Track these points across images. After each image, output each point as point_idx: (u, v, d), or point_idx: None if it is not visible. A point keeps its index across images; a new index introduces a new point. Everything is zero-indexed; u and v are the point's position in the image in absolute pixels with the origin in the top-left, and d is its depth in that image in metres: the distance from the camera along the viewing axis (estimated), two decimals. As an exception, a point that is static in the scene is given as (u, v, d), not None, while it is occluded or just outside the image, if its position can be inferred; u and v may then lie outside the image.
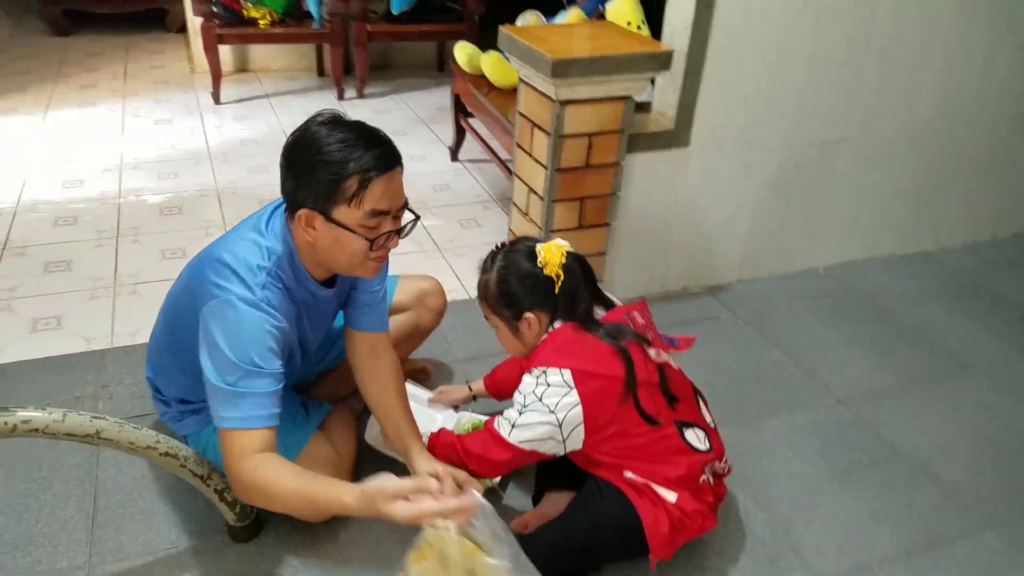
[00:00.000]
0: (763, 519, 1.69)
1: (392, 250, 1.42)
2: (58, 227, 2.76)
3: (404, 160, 1.34)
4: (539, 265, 1.48)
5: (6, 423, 1.26)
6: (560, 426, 1.40)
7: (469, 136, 3.35)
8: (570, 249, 1.52)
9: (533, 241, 1.53)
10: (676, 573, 1.53)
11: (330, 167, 1.25)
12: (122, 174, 3.18)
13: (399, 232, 1.37)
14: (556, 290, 1.48)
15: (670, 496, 1.43)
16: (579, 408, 1.40)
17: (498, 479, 1.69)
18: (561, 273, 1.47)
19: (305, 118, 1.34)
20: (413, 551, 1.28)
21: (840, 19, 2.25)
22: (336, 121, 1.30)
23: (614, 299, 1.59)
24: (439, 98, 4.23)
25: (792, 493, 1.76)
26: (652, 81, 2.29)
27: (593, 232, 2.24)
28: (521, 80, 2.16)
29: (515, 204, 2.35)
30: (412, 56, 4.80)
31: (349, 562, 1.53)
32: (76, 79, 4.30)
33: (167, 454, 1.42)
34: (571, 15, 2.87)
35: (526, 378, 1.46)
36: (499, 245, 1.58)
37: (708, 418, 1.57)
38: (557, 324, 1.50)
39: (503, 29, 2.11)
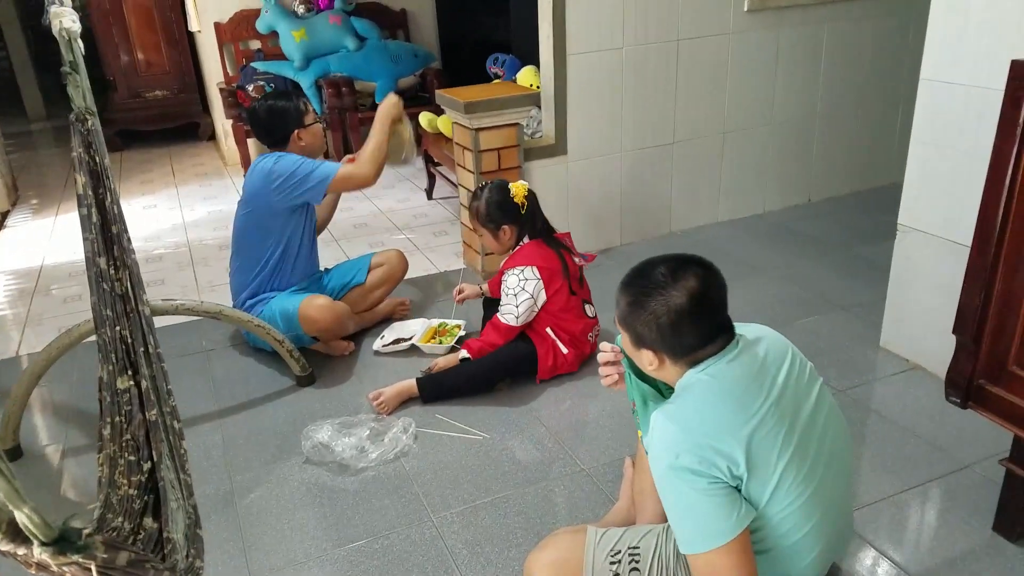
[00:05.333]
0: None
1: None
2: (148, 264, 3.97)
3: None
4: (511, 196, 2.58)
5: (173, 304, 2.43)
6: (535, 299, 2.55)
7: (439, 180, 4.60)
8: (530, 187, 2.62)
9: (505, 182, 2.61)
10: (552, 387, 2.65)
11: (292, 108, 2.71)
12: (187, 230, 4.41)
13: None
14: (523, 212, 2.57)
15: (564, 350, 2.59)
16: (541, 283, 2.54)
17: (455, 341, 2.85)
18: (525, 202, 2.58)
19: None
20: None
21: (649, 67, 3.50)
22: (266, 94, 2.79)
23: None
24: (419, 161, 5.51)
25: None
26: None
27: (511, 214, 3.42)
28: (454, 122, 3.40)
29: (462, 204, 3.55)
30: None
31: (372, 385, 2.66)
32: (137, 178, 5.59)
33: (259, 326, 2.58)
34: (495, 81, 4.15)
35: (510, 278, 2.55)
36: (482, 184, 2.65)
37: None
38: (526, 238, 2.60)
39: (439, 92, 3.36)
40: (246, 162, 5.32)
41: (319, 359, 2.84)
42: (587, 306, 2.69)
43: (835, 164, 4.14)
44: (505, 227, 2.59)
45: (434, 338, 2.89)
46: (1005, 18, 2.12)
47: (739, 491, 1.35)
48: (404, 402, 2.53)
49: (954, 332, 1.78)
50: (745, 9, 3.57)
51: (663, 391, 1.59)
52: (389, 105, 2.93)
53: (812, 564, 1.43)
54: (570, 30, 3.29)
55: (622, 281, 1.50)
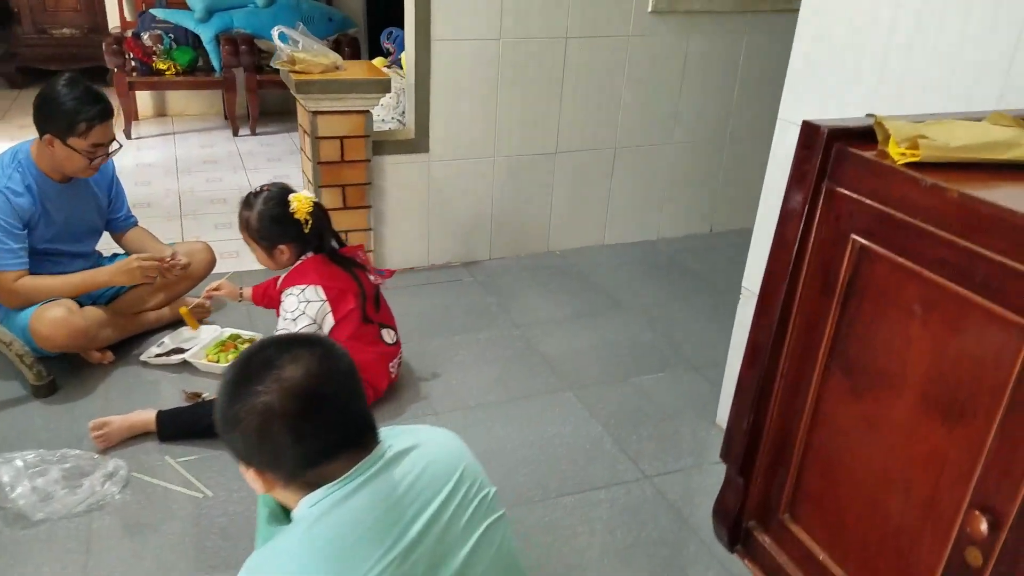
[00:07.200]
0: (439, 384, 2.45)
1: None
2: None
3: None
4: (291, 211, 2.09)
5: None
6: (319, 324, 2.14)
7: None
8: (315, 200, 2.15)
9: (287, 191, 2.14)
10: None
11: (67, 114, 2.10)
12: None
13: (108, 154, 2.29)
14: (307, 230, 2.10)
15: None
16: (327, 305, 2.14)
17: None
18: (309, 219, 2.10)
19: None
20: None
21: (531, 65, 3.06)
22: (73, 82, 2.14)
23: (343, 239, 2.31)
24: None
25: (462, 369, 2.52)
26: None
27: (357, 212, 2.99)
28: (297, 101, 2.96)
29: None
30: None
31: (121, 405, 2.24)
32: (19, 121, 5.11)
33: (-20, 325, 2.16)
34: (377, 61, 3.71)
35: (288, 300, 2.13)
36: (259, 188, 2.16)
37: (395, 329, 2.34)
38: (309, 254, 2.17)
39: (278, 63, 2.90)
40: (129, 116, 4.85)
41: (74, 363, 2.42)
42: (385, 331, 2.29)
43: (745, 192, 3.73)
44: (282, 246, 2.15)
45: (218, 353, 2.48)
46: (866, 57, 1.71)
47: None
48: (136, 436, 2.12)
49: (721, 458, 1.39)
50: (649, 10, 3.13)
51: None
52: (119, 270, 2.30)
53: None
54: (436, 11, 2.85)
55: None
